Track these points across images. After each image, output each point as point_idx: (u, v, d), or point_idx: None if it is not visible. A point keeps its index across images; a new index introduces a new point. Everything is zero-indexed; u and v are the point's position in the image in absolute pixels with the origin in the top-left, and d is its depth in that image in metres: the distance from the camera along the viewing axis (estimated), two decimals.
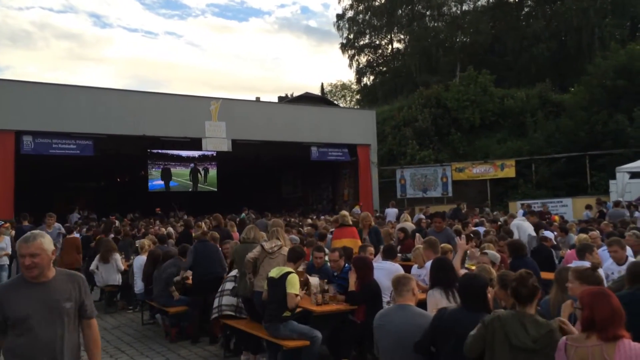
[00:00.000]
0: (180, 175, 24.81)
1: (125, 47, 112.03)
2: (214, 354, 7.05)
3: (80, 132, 20.01)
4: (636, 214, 14.47)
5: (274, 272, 5.90)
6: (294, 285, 5.73)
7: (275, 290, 5.80)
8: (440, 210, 20.81)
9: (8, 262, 10.01)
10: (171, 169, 24.33)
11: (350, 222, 9.38)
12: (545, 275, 6.61)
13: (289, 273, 5.78)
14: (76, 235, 12.44)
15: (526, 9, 40.87)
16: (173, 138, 22.23)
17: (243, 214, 20.75)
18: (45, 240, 3.26)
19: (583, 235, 8.22)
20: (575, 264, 6.15)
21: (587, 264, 5.72)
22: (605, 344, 2.98)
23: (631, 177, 18.15)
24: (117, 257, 9.87)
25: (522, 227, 10.94)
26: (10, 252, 10.23)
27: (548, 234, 10.03)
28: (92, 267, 9.97)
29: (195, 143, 22.68)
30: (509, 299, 4.13)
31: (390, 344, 4.12)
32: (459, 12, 42.99)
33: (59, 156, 20.57)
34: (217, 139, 22.83)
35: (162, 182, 23.86)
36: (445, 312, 4.00)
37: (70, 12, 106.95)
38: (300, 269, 7.07)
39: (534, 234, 10.62)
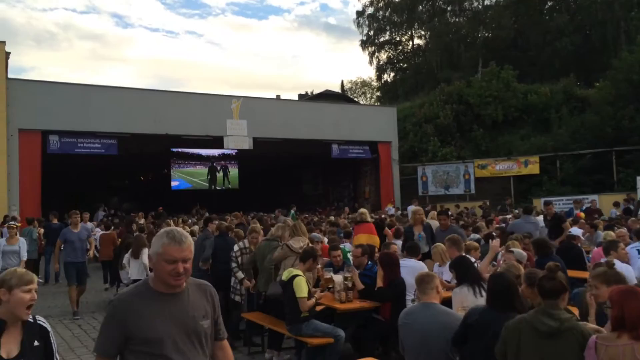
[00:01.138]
0: (198, 174, 24.96)
1: (146, 47, 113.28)
2: (238, 350, 7.10)
3: (104, 132, 20.30)
4: None
5: (285, 275, 5.94)
6: (301, 288, 5.75)
7: (287, 292, 5.87)
8: (469, 206, 20.79)
9: (24, 267, 9.01)
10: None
11: (369, 219, 9.38)
12: (575, 273, 6.54)
13: (295, 276, 5.81)
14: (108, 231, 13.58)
15: (549, 3, 40.32)
16: (195, 137, 22.41)
17: (292, 211, 21.29)
18: (192, 241, 2.69)
19: (611, 233, 8.09)
20: (604, 262, 6.06)
21: (615, 261, 5.63)
22: (636, 343, 2.91)
23: None
24: (146, 251, 10.09)
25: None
26: (25, 258, 9.33)
27: (575, 231, 9.88)
28: (124, 261, 10.20)
29: (216, 141, 22.85)
30: (536, 296, 4.09)
31: (415, 342, 4.11)
32: (480, 6, 42.58)
33: (85, 155, 20.91)
34: (238, 137, 22.97)
35: (183, 182, 24.01)
36: (475, 312, 4.01)
37: (92, 13, 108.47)
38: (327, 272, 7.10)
39: (542, 224, 10.56)
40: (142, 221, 16.78)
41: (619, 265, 5.13)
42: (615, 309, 3.03)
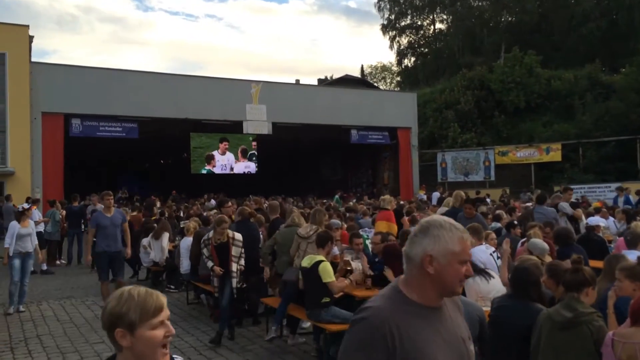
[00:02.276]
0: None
1: (166, 30, 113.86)
2: (257, 334, 7.18)
3: (125, 115, 20.50)
4: None
5: (306, 262, 5.95)
6: (328, 273, 5.76)
7: (309, 279, 5.87)
8: (490, 194, 20.59)
9: (32, 249, 8.76)
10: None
11: (388, 207, 9.29)
12: (597, 264, 6.45)
13: (319, 262, 5.81)
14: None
15: None
16: (215, 121, 22.51)
17: (336, 196, 21.77)
18: None
19: (638, 224, 7.91)
20: (625, 254, 5.96)
21: (638, 253, 5.54)
22: None
23: None
24: (167, 235, 10.24)
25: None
26: (36, 242, 8.99)
27: (596, 220, 9.72)
28: (145, 243, 10.35)
29: (236, 126, 22.92)
30: (557, 288, 4.05)
31: None
32: None
33: (106, 138, 21.15)
34: (257, 122, 23.02)
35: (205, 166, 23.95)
36: (493, 303, 4.05)
37: None
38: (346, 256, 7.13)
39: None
40: (157, 204, 16.94)
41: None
42: (635, 302, 2.97)
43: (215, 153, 23.61)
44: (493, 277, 5.22)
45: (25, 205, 9.32)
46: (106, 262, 8.08)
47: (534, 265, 4.50)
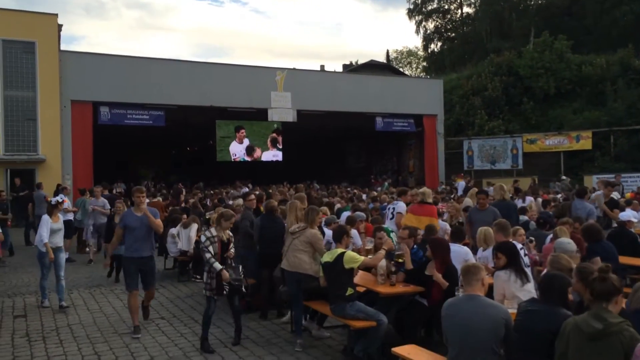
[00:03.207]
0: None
1: (192, 16, 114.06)
2: (281, 327, 7.24)
3: (152, 103, 20.71)
4: None
5: (328, 257, 5.97)
6: (355, 258, 5.80)
7: (333, 272, 5.87)
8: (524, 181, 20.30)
9: (62, 244, 8.54)
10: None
11: (429, 200, 8.94)
12: (628, 260, 6.33)
13: (342, 254, 5.83)
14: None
15: None
16: (240, 108, 22.60)
17: (386, 183, 22.23)
18: None
19: None
20: None
21: None
22: None
23: None
24: (195, 227, 10.39)
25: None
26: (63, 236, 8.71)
27: (627, 215, 9.49)
28: (175, 231, 10.50)
29: (261, 113, 22.96)
30: (586, 291, 3.98)
31: (458, 334, 4.07)
32: None
33: (133, 126, 21.41)
34: (282, 110, 23.03)
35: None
36: (520, 309, 4.02)
37: None
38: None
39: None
40: (183, 192, 17.11)
41: None
42: None
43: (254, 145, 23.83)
44: (529, 282, 5.13)
45: (58, 199, 9.22)
46: (135, 270, 6.97)
47: (567, 269, 4.44)
